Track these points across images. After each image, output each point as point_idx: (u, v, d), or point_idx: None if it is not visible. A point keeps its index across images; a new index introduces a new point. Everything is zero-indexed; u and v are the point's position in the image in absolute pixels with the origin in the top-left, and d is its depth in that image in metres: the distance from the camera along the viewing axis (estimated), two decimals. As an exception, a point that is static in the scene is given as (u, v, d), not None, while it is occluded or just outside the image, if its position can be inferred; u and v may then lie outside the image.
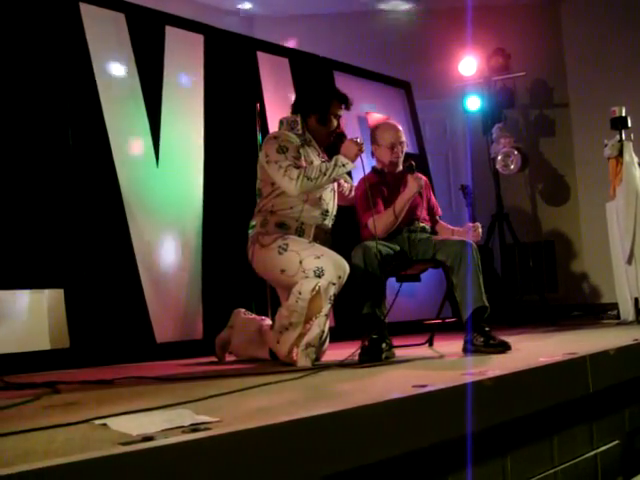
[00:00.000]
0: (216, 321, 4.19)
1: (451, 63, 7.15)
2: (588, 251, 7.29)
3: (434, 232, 3.87)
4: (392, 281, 3.88)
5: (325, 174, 3.25)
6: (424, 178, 3.80)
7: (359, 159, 3.38)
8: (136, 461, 1.27)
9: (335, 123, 3.56)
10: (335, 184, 3.62)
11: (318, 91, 3.63)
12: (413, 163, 3.70)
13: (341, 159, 3.28)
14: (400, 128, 3.87)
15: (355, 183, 3.97)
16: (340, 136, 3.51)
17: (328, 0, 6.74)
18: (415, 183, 3.60)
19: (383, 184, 3.77)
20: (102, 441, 1.44)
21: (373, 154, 3.91)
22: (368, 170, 3.69)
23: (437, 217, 3.96)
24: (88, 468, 1.21)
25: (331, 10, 6.97)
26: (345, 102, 3.59)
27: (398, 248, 3.59)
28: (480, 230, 3.75)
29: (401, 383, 2.35)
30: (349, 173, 3.63)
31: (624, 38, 7.04)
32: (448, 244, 3.52)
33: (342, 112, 3.60)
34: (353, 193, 3.87)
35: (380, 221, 3.60)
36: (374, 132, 3.88)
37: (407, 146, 3.92)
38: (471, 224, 3.75)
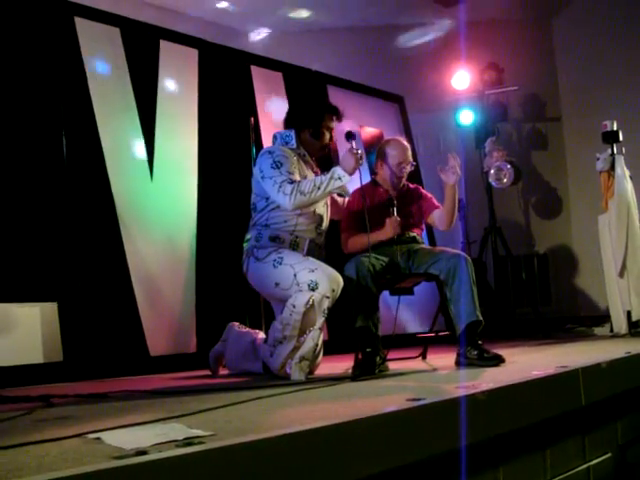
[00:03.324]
0: (210, 334, 4.19)
1: (444, 77, 7.17)
2: (581, 264, 7.31)
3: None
4: (386, 294, 3.89)
5: (319, 188, 3.24)
6: (418, 187, 3.84)
7: (357, 174, 3.37)
8: (129, 475, 1.27)
9: (328, 136, 3.57)
10: (328, 198, 3.62)
11: (311, 105, 3.64)
12: (395, 202, 3.69)
13: (338, 171, 3.25)
14: (409, 147, 3.87)
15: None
16: (350, 135, 3.43)
17: (322, 15, 6.77)
18: (391, 230, 3.63)
19: (376, 199, 3.78)
20: (95, 455, 1.44)
21: (374, 171, 3.93)
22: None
23: (439, 210, 3.84)
24: (82, 482, 1.21)
25: (325, 25, 7.00)
26: (336, 114, 3.60)
27: (387, 259, 3.59)
28: (457, 165, 3.63)
29: (395, 396, 2.35)
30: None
31: (616, 53, 7.08)
32: (442, 258, 3.52)
33: (334, 124, 3.60)
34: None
35: (350, 242, 3.70)
36: (383, 147, 3.87)
37: (413, 167, 3.90)
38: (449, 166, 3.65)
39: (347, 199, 3.88)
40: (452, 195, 3.68)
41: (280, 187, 3.27)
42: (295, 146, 3.51)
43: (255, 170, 3.50)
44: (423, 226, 3.99)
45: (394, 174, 3.79)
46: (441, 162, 3.78)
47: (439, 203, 3.86)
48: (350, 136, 3.43)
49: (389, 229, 3.63)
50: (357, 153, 3.27)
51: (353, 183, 3.60)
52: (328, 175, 3.26)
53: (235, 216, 4.48)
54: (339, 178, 3.24)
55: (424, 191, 3.98)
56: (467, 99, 7.14)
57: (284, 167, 3.33)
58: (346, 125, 4.20)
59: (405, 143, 3.88)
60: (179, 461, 1.34)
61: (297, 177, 3.34)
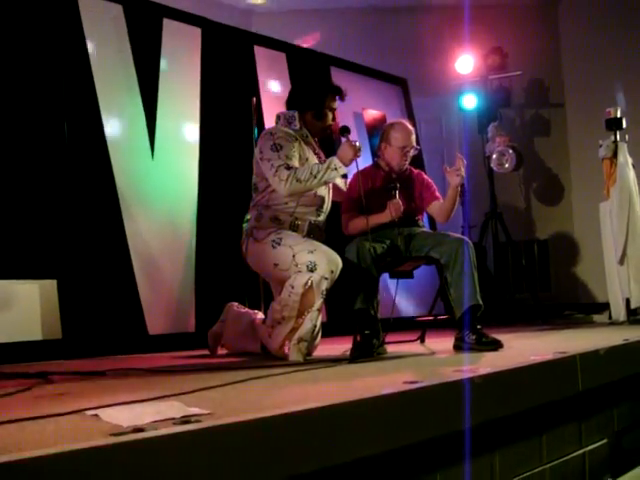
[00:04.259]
0: (208, 314, 4.20)
1: (448, 61, 7.15)
2: (581, 251, 7.32)
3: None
4: (385, 277, 3.89)
5: (316, 177, 3.20)
6: (421, 173, 3.83)
7: (353, 163, 3.34)
8: (126, 452, 1.27)
9: (331, 116, 3.55)
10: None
11: (313, 87, 3.60)
12: (397, 186, 3.67)
13: (335, 162, 3.22)
14: (413, 130, 3.85)
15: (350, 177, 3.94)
16: (344, 130, 3.42)
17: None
18: (392, 212, 3.61)
19: (378, 182, 3.77)
20: (93, 432, 1.44)
21: (377, 153, 3.91)
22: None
23: (438, 201, 3.83)
24: (78, 458, 1.21)
25: (329, 6, 6.96)
26: (339, 93, 3.57)
27: (388, 242, 3.59)
28: (463, 166, 3.60)
29: (392, 379, 2.36)
30: (344, 175, 3.58)
31: (621, 39, 7.04)
32: (444, 242, 3.51)
33: (337, 104, 3.58)
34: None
35: (351, 224, 3.70)
36: (388, 130, 3.84)
37: (416, 151, 3.89)
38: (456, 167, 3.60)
39: (349, 180, 3.87)
40: (453, 196, 3.68)
41: (276, 171, 3.24)
42: (298, 127, 3.48)
43: (256, 151, 3.48)
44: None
45: (397, 157, 3.77)
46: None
47: (439, 194, 3.85)
48: (345, 131, 3.41)
49: (390, 212, 3.62)
50: (355, 145, 3.25)
51: (351, 172, 3.57)
52: (325, 164, 3.23)
53: (236, 196, 4.47)
54: (336, 169, 3.22)
55: (427, 178, 3.95)
56: (470, 83, 7.12)
57: (283, 151, 3.30)
58: (349, 107, 4.17)
59: (410, 127, 3.85)
60: (176, 439, 1.34)
61: (295, 162, 3.31)
